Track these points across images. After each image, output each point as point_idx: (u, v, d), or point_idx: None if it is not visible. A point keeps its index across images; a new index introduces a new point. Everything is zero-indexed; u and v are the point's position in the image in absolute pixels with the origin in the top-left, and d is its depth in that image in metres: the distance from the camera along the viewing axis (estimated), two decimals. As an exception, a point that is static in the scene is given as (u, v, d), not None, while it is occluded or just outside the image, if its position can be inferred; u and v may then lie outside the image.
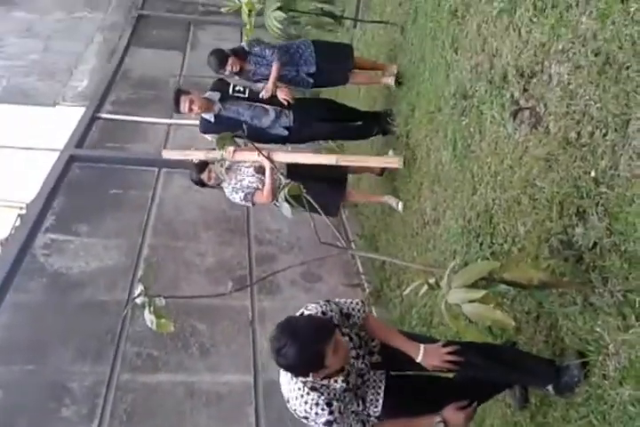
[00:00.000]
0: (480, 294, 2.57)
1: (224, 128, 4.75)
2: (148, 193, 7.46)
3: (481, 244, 3.90)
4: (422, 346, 2.76)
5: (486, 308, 2.59)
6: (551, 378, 2.93)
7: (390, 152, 5.65)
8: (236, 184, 5.06)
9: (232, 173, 5.10)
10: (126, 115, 9.09)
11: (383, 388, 2.87)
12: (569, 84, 3.06)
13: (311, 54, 5.59)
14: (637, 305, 2.50)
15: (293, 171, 4.87)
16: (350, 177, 5.67)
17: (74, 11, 12.62)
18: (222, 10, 5.91)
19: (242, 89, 5.44)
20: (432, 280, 2.80)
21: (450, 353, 2.77)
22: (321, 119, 5.61)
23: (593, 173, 2.82)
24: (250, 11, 5.40)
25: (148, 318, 2.67)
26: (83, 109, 9.07)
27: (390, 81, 5.75)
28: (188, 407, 4.80)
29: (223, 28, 11.91)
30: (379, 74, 5.99)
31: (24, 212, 6.91)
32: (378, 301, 5.92)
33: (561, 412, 2.99)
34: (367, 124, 5.91)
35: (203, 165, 5.09)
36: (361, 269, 6.43)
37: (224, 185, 5.13)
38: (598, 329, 2.73)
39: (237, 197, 5.08)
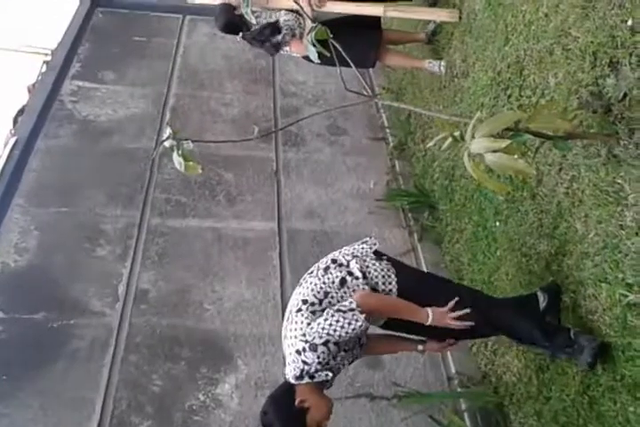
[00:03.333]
0: (504, 143, 2.57)
1: None
2: (173, 41, 7.35)
3: (509, 96, 3.86)
4: (430, 312, 2.76)
5: (509, 157, 2.59)
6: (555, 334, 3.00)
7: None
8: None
9: (262, 19, 4.76)
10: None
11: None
12: None
13: None
14: (661, 157, 2.52)
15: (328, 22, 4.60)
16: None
17: None
18: None
19: None
20: (457, 133, 2.79)
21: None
22: None
23: (630, 22, 2.73)
24: None
25: (177, 160, 2.72)
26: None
27: None
28: (215, 250, 5.00)
29: None
30: None
31: (49, 58, 6.85)
32: (401, 154, 5.97)
33: (575, 260, 3.10)
34: None
35: (229, 7, 4.72)
36: (386, 123, 6.41)
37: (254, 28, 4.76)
38: (619, 181, 2.77)
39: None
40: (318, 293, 2.78)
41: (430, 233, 5.09)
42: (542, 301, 3.17)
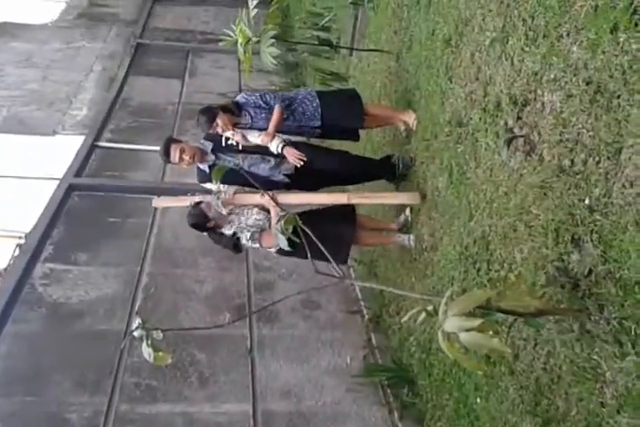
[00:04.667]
0: (476, 322, 2.57)
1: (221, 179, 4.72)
2: (147, 221, 7.48)
3: (478, 270, 3.91)
4: None
5: (483, 336, 2.58)
6: None
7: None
8: (240, 224, 4.85)
9: (235, 216, 4.89)
10: (125, 143, 9.16)
11: None
12: (561, 112, 3.09)
13: (317, 109, 5.17)
14: (633, 332, 2.50)
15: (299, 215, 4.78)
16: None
17: (72, 41, 12.78)
18: (220, 44, 5.72)
19: (235, 143, 5.00)
20: (430, 308, 2.79)
21: None
22: (325, 166, 5.15)
23: (587, 201, 2.84)
24: (246, 42, 5.22)
25: (146, 351, 2.67)
26: (82, 138, 9.13)
27: (411, 124, 5.26)
28: (187, 439, 4.77)
29: (221, 55, 12.02)
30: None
31: (23, 241, 6.93)
32: (377, 327, 5.92)
33: (561, 440, 2.99)
34: (376, 170, 5.41)
35: (200, 213, 4.82)
36: (360, 296, 6.43)
37: (226, 228, 4.89)
38: (595, 357, 2.73)
39: (243, 237, 4.84)
40: None
41: (411, 410, 4.92)
42: None
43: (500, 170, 3.68)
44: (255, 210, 4.92)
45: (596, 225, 2.77)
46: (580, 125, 2.93)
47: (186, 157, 4.96)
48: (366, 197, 5.17)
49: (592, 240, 2.78)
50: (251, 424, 4.90)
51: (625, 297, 2.56)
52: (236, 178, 4.67)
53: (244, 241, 4.86)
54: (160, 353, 2.62)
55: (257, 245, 4.89)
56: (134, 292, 6.27)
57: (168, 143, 5.01)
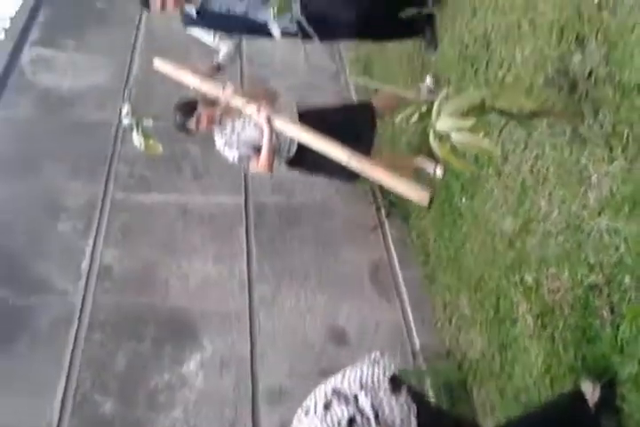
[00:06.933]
0: (469, 122, 2.55)
1: (213, 24, 3.90)
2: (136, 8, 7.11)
3: (476, 71, 3.80)
4: None
5: (474, 136, 2.58)
6: None
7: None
8: (232, 136, 3.85)
9: (228, 118, 3.88)
10: None
11: None
12: None
13: None
14: (625, 137, 2.48)
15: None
16: None
17: None
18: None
19: None
20: (424, 108, 2.75)
21: None
22: (343, 9, 4.03)
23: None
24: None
25: (137, 139, 2.68)
26: None
27: None
28: (180, 227, 4.94)
29: None
30: None
31: (8, 26, 6.66)
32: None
33: (538, 239, 3.10)
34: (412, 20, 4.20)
35: (189, 107, 3.80)
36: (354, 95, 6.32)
37: (215, 131, 3.92)
38: (584, 160, 2.74)
39: (230, 155, 3.91)
40: None
41: (398, 208, 5.07)
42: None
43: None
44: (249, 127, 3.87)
45: (602, 24, 2.63)
46: None
47: (169, 2, 3.85)
48: (366, 166, 3.30)
49: (597, 39, 2.66)
50: (242, 216, 5.05)
51: (622, 100, 2.50)
52: (228, 27, 4.04)
53: (229, 158, 3.96)
54: (151, 141, 2.63)
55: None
56: (125, 83, 6.15)
57: None
